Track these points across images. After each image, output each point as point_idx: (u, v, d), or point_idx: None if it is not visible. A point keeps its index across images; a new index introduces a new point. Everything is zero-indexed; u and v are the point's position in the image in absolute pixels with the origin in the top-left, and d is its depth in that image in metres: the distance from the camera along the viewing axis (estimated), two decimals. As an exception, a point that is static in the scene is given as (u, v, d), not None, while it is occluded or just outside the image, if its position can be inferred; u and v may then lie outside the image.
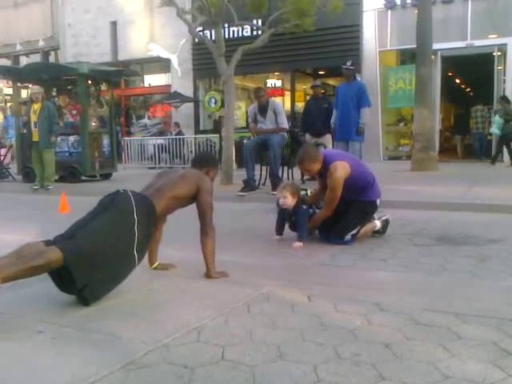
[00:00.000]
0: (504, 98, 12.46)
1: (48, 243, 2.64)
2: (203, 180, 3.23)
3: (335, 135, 7.93)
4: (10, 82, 12.48)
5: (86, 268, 2.56)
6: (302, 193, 4.59)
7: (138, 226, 2.79)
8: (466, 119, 15.58)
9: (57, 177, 10.14)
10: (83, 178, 10.80)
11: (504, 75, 13.20)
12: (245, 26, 14.57)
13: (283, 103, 15.14)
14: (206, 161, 3.57)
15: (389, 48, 14.35)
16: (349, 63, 7.71)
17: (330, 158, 4.21)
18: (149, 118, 18.72)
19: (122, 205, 2.85)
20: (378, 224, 4.43)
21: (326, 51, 14.10)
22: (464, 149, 15.89)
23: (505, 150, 12.48)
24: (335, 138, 7.96)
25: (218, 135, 13.16)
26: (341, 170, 4.10)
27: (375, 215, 4.49)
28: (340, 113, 7.68)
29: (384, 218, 4.50)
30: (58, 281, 2.68)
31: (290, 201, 4.19)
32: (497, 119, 12.43)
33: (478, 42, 13.13)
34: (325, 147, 8.36)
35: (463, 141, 15.99)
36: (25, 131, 10.25)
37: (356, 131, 7.51)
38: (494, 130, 12.56)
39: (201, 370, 1.91)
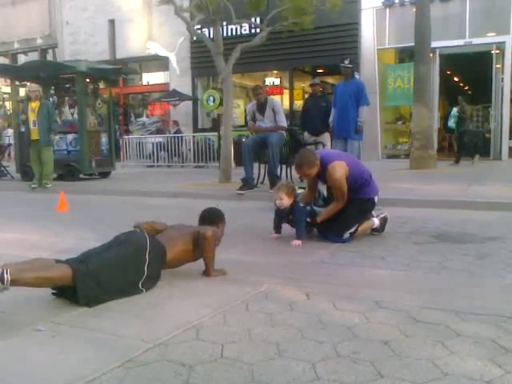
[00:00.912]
0: (463, 97, 12.93)
1: (58, 262, 2.70)
2: (208, 227, 3.24)
3: (334, 133, 7.92)
4: (8, 81, 12.45)
5: (91, 290, 2.63)
6: (301, 191, 4.59)
7: (148, 267, 2.86)
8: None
9: (55, 175, 10.13)
10: (81, 176, 10.80)
11: (502, 73, 13.23)
12: (243, 24, 14.58)
13: (282, 101, 15.14)
14: (215, 218, 3.49)
15: (387, 46, 14.37)
16: (347, 61, 7.70)
17: (327, 158, 4.21)
18: (147, 116, 18.72)
19: (138, 243, 2.93)
20: (376, 222, 4.43)
21: (324, 49, 14.12)
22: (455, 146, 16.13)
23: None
24: (333, 136, 7.95)
25: (216, 133, 13.15)
26: (339, 169, 4.10)
27: (373, 213, 4.49)
28: (338, 111, 7.68)
29: (382, 216, 4.51)
30: (59, 294, 2.75)
31: (286, 201, 4.18)
32: (453, 113, 13.23)
33: (476, 40, 13.16)
34: (323, 146, 8.36)
35: (452, 138, 16.12)
36: (23, 129, 10.24)
37: (355, 129, 7.50)
38: (451, 124, 13.52)
39: (200, 368, 1.92)
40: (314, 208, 4.45)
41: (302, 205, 4.28)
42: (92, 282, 2.63)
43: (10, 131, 14.59)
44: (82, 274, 2.60)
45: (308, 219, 4.23)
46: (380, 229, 4.47)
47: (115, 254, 2.84)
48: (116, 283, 2.74)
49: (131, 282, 2.82)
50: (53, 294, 2.74)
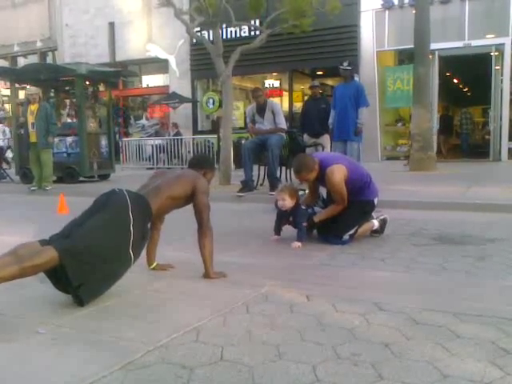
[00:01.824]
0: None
1: (43, 243, 2.63)
2: (199, 181, 3.23)
3: (333, 135, 7.92)
4: (8, 83, 12.45)
5: (81, 267, 2.56)
6: (301, 193, 4.60)
7: (134, 225, 2.78)
8: (450, 120, 16.11)
9: (55, 178, 10.14)
10: (81, 178, 10.80)
11: (501, 75, 13.24)
12: (243, 27, 14.59)
13: (281, 103, 15.16)
14: (203, 162, 3.56)
15: (386, 48, 14.38)
16: (346, 63, 7.70)
17: (325, 162, 4.21)
18: (147, 118, 18.72)
19: (118, 204, 2.84)
20: (375, 223, 4.44)
21: (323, 51, 14.14)
22: (450, 148, 16.61)
23: None
24: (333, 138, 7.95)
25: (216, 136, 13.14)
26: (338, 172, 4.10)
27: (373, 214, 4.49)
28: (338, 113, 7.68)
29: (382, 218, 4.51)
30: (54, 279, 2.69)
31: (288, 203, 4.19)
32: None
33: (475, 42, 13.17)
34: (323, 148, 8.37)
35: (447, 140, 16.42)
36: (22, 132, 10.24)
37: (354, 131, 7.50)
38: None
39: (200, 370, 1.91)
40: (316, 209, 4.45)
41: (303, 207, 4.29)
42: (79, 259, 2.54)
43: (6, 129, 14.53)
44: (67, 253, 2.51)
45: (304, 223, 4.22)
46: (380, 230, 4.48)
47: (97, 221, 2.73)
48: (104, 253, 2.65)
49: (119, 248, 2.74)
50: (46, 274, 2.67)
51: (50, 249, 2.53)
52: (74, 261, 2.54)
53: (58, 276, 2.63)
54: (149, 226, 3.02)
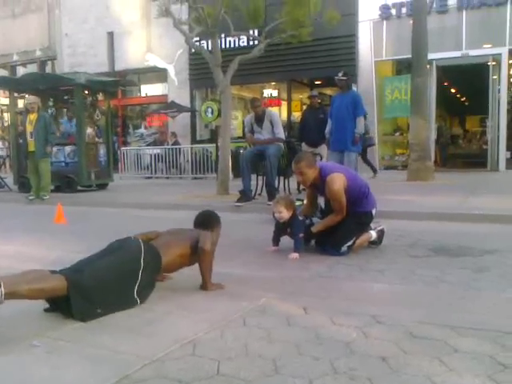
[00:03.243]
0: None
1: (53, 272, 2.68)
2: (205, 233, 3.24)
3: (330, 145, 7.92)
4: (7, 92, 12.49)
5: (86, 301, 2.61)
6: (298, 203, 4.59)
7: (143, 272, 2.85)
8: (444, 131, 16.41)
9: (53, 187, 10.12)
10: (79, 188, 10.79)
11: (499, 85, 13.30)
12: (241, 37, 14.66)
13: (280, 113, 15.20)
14: (209, 222, 3.48)
15: (384, 58, 14.45)
16: (341, 74, 7.74)
17: (325, 170, 4.23)
18: (145, 127, 18.76)
19: (132, 249, 2.92)
20: (373, 234, 4.43)
21: (322, 61, 14.20)
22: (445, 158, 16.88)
23: None
24: (330, 148, 7.96)
25: (214, 145, 13.18)
26: (338, 181, 4.12)
27: (371, 225, 4.49)
28: (335, 123, 7.68)
29: (379, 229, 4.50)
30: (53, 306, 2.72)
31: (285, 214, 4.19)
32: None
33: (472, 52, 13.26)
34: (321, 158, 8.38)
35: (441, 151, 16.61)
36: (21, 141, 10.25)
37: (352, 141, 7.50)
38: None
39: (196, 385, 1.90)
40: (313, 220, 4.45)
41: (301, 218, 4.29)
42: (86, 295, 2.60)
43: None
44: (75, 286, 2.57)
45: (301, 235, 4.22)
46: (377, 241, 4.47)
47: (109, 261, 2.82)
48: (111, 293, 2.71)
49: (126, 291, 2.80)
50: (45, 310, 2.72)
51: (60, 277, 2.60)
52: (81, 294, 2.59)
53: (59, 305, 2.68)
54: (156, 276, 3.06)
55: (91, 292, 2.63)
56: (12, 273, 2.66)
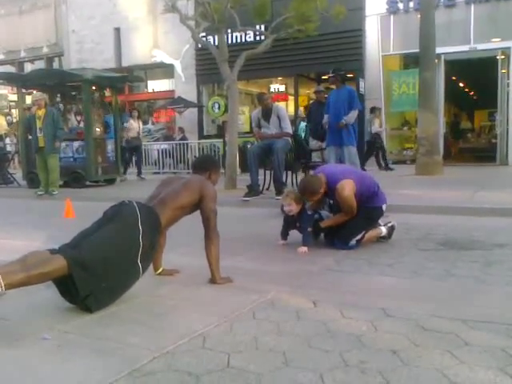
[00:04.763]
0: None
1: (53, 252, 2.63)
2: (206, 186, 3.21)
3: (327, 140, 7.87)
4: (15, 89, 12.53)
5: (90, 277, 2.57)
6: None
7: (143, 237, 2.79)
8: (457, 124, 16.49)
9: (61, 182, 10.16)
10: (87, 183, 10.83)
11: (508, 78, 13.21)
12: (248, 32, 14.61)
13: (287, 108, 15.16)
14: (207, 165, 3.53)
15: (392, 52, 14.37)
16: (330, 71, 7.73)
17: (333, 177, 4.18)
18: (153, 123, 18.77)
19: (128, 215, 2.85)
20: (383, 230, 4.41)
21: (329, 56, 14.12)
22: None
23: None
24: (326, 142, 7.90)
25: (221, 140, 13.17)
26: (347, 187, 4.08)
27: (381, 221, 4.46)
28: (332, 118, 7.62)
29: (390, 225, 4.48)
30: (62, 288, 2.69)
31: (294, 208, 4.18)
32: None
33: (481, 46, 13.15)
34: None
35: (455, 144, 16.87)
36: (30, 137, 10.29)
37: (350, 138, 7.43)
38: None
39: (206, 378, 1.90)
40: (322, 213, 4.43)
41: (309, 212, 4.27)
42: (87, 269, 2.55)
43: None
44: (75, 262, 2.52)
45: (309, 229, 4.20)
46: (387, 237, 4.45)
47: (106, 232, 2.75)
48: (112, 265, 2.66)
49: (128, 260, 2.74)
50: (61, 294, 2.69)
51: (59, 257, 2.54)
52: (82, 271, 2.55)
53: (66, 285, 2.63)
54: (157, 237, 3.02)
55: (92, 265, 2.57)
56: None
